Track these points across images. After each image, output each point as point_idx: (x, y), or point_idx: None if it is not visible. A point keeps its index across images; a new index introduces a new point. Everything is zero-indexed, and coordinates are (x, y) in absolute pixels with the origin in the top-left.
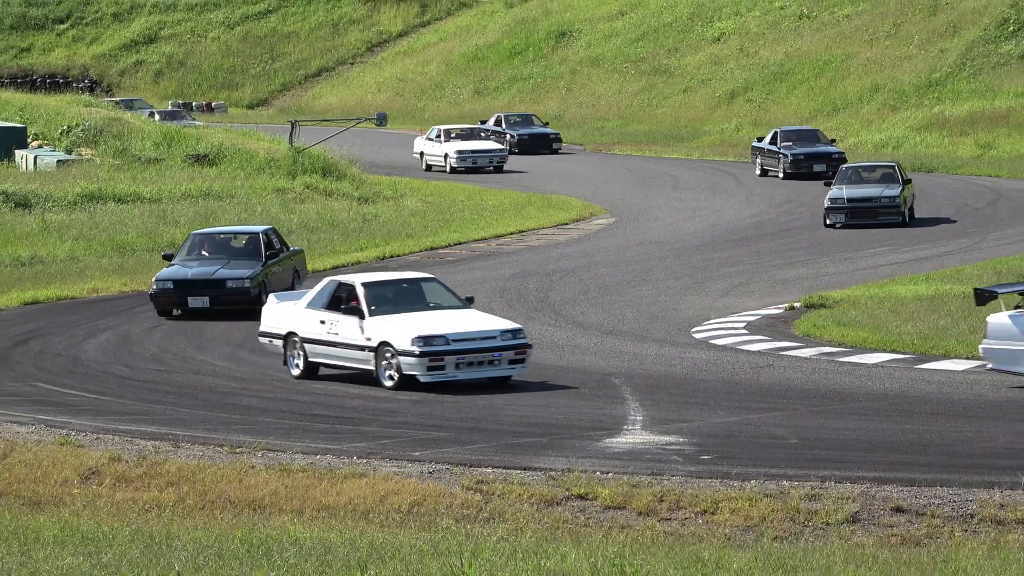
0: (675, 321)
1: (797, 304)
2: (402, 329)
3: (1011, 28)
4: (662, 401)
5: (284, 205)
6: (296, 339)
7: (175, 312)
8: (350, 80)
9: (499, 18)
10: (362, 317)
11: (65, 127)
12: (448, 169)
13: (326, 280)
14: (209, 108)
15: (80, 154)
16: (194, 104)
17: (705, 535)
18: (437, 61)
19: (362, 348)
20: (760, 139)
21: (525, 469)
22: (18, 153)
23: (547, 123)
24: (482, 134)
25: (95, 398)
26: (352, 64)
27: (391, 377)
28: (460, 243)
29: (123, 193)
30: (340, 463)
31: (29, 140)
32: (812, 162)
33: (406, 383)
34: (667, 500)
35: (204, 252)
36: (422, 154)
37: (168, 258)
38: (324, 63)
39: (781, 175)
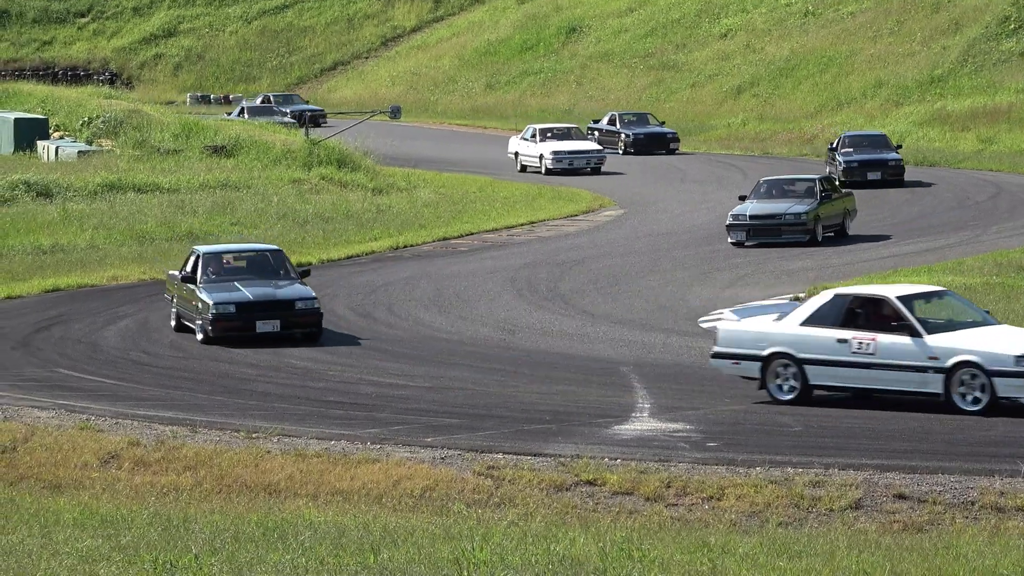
0: (682, 311)
1: (802, 295)
2: (987, 345)
3: (1012, 26)
4: (669, 389)
5: (300, 196)
6: (788, 361)
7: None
8: (365, 74)
9: (510, 14)
10: (917, 335)
11: (86, 118)
12: (543, 170)
13: (829, 294)
14: (227, 101)
15: (100, 145)
16: (212, 97)
17: (711, 520)
18: (450, 55)
19: (923, 369)
20: (831, 144)
21: (535, 455)
22: (40, 144)
23: (663, 122)
24: (587, 133)
25: (114, 384)
26: (367, 58)
27: (976, 400)
28: (472, 234)
29: (142, 183)
30: (354, 448)
31: (51, 131)
32: (866, 169)
33: (995, 407)
34: (674, 486)
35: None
36: (516, 154)
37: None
38: (339, 57)
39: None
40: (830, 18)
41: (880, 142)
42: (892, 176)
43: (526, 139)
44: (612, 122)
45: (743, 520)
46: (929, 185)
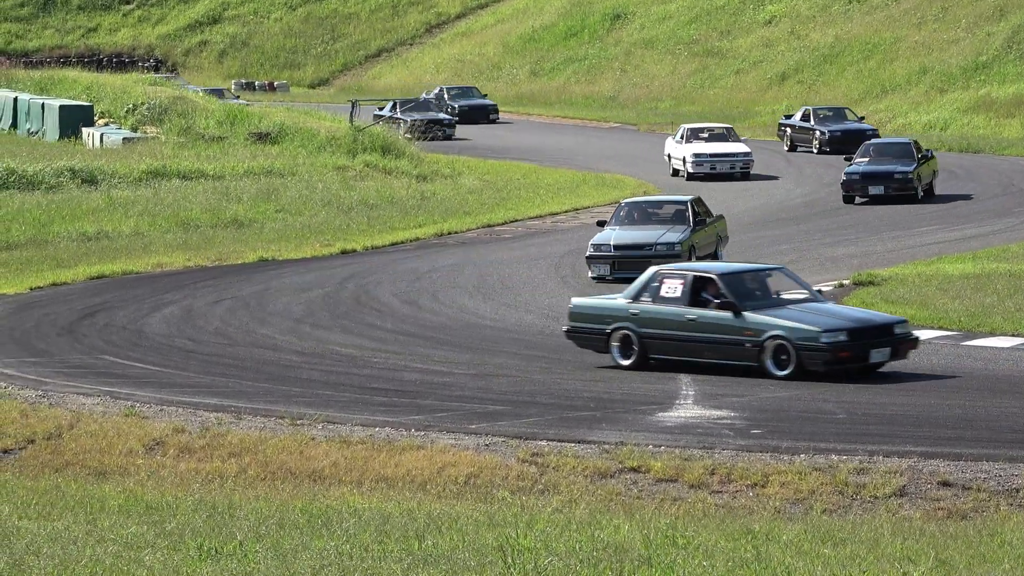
0: None
1: (846, 281)
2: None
3: None
4: (713, 376)
5: (344, 183)
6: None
7: None
8: (409, 60)
9: (555, 0)
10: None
11: (131, 105)
12: (685, 175)
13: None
14: (271, 87)
15: (145, 132)
16: (257, 84)
17: (755, 508)
18: (494, 42)
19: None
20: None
21: (579, 442)
22: (85, 131)
23: (862, 117)
24: (778, 131)
25: (159, 370)
26: (411, 45)
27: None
28: (516, 220)
29: (187, 170)
30: (398, 435)
31: (96, 118)
32: (868, 183)
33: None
34: (718, 473)
35: None
36: (669, 157)
37: None
38: (384, 44)
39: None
40: (874, 4)
41: (903, 151)
42: (898, 191)
43: (677, 140)
44: (806, 117)
45: (787, 507)
46: (974, 171)
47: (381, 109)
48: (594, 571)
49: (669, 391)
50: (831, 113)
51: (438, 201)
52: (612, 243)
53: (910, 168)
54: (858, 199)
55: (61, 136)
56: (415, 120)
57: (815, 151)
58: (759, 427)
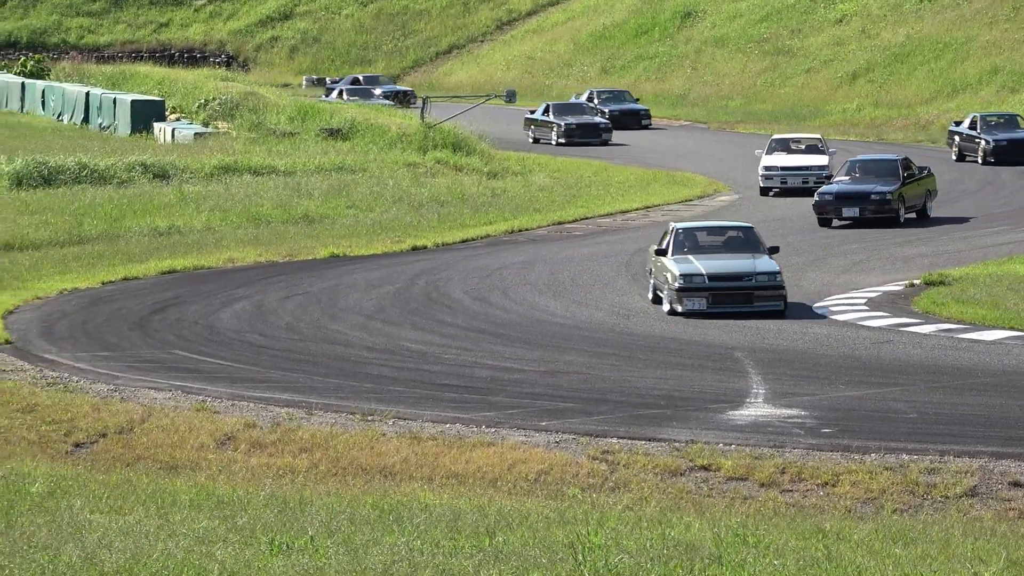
0: (797, 296)
1: (917, 281)
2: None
3: None
4: (784, 375)
5: (415, 179)
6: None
7: None
8: (480, 57)
9: None
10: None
11: (202, 100)
12: (759, 189)
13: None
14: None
15: (216, 127)
16: (328, 79)
17: (826, 507)
18: (565, 40)
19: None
20: None
21: (650, 440)
22: (156, 126)
23: None
24: (948, 139)
25: (230, 365)
26: (482, 42)
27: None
28: (586, 218)
29: (258, 165)
30: (469, 432)
31: (167, 113)
32: (842, 205)
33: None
34: (789, 472)
35: None
36: (762, 171)
37: None
38: (455, 40)
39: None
40: (945, 3)
41: (886, 169)
42: (875, 214)
43: (767, 153)
44: (973, 125)
45: (858, 507)
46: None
47: (533, 112)
48: (664, 569)
49: (740, 389)
50: (1002, 120)
51: (509, 198)
52: (705, 274)
53: (890, 188)
54: (835, 221)
55: (133, 131)
56: (569, 124)
57: (979, 162)
58: (830, 426)
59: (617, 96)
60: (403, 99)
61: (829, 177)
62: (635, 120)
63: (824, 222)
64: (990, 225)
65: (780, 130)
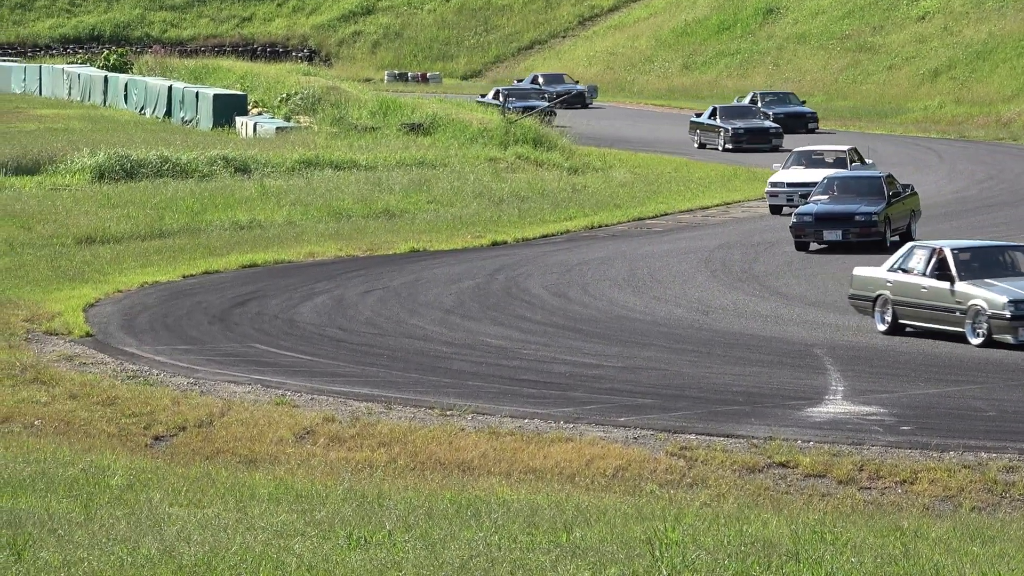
0: None
1: None
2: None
3: None
4: (863, 372)
5: (496, 174)
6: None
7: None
8: (562, 53)
9: None
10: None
11: (284, 95)
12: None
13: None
14: (424, 79)
15: (298, 121)
16: (409, 75)
17: (904, 504)
18: (647, 35)
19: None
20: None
21: (728, 436)
22: (239, 120)
23: None
24: None
25: (310, 359)
26: (564, 37)
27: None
28: (666, 214)
29: (339, 160)
30: (547, 427)
31: (249, 107)
32: (823, 227)
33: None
34: (867, 469)
35: None
36: (770, 184)
37: None
38: (537, 36)
39: None
40: None
41: (870, 187)
42: (859, 237)
43: (782, 166)
44: None
45: (936, 504)
46: None
47: (699, 116)
48: (742, 566)
49: (818, 386)
50: None
51: (589, 194)
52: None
53: (876, 209)
54: (812, 245)
55: (215, 125)
56: (737, 129)
57: None
58: (908, 423)
59: (782, 98)
60: (574, 99)
61: (805, 196)
62: (801, 123)
63: (801, 246)
64: None
65: (861, 127)
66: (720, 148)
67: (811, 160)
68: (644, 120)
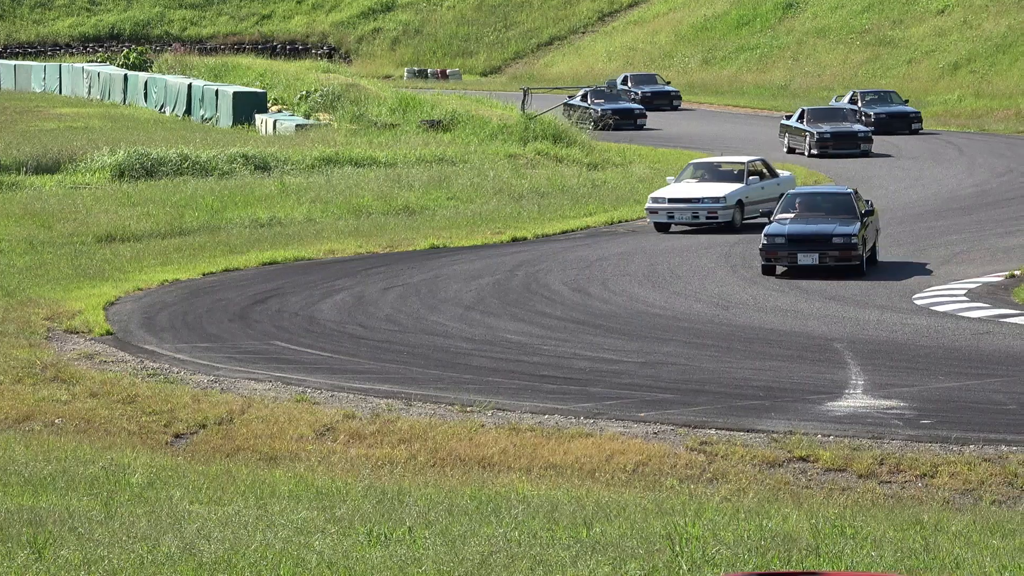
0: (896, 288)
1: (1018, 272)
2: None
3: None
4: (883, 366)
5: (516, 171)
6: None
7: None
8: (581, 49)
9: None
10: None
11: (304, 92)
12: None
13: None
14: (444, 75)
15: (318, 119)
16: (429, 71)
17: (924, 498)
18: (666, 31)
19: None
20: None
21: (748, 431)
22: (258, 117)
23: None
24: None
25: (330, 356)
26: (583, 33)
27: None
28: None
29: (359, 157)
30: (568, 423)
31: (269, 105)
32: (797, 249)
33: None
34: (887, 463)
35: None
36: (651, 200)
37: None
38: (556, 32)
39: None
40: None
41: (839, 205)
42: (838, 261)
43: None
44: None
45: (956, 498)
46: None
47: (789, 117)
48: (762, 560)
49: (838, 380)
50: None
51: (609, 189)
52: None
53: (853, 229)
54: (778, 268)
55: (234, 122)
56: (823, 133)
57: None
58: (928, 417)
59: (883, 97)
60: (664, 100)
61: (720, 214)
62: (904, 124)
63: (768, 270)
64: None
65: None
66: (806, 153)
67: (710, 173)
68: (664, 115)
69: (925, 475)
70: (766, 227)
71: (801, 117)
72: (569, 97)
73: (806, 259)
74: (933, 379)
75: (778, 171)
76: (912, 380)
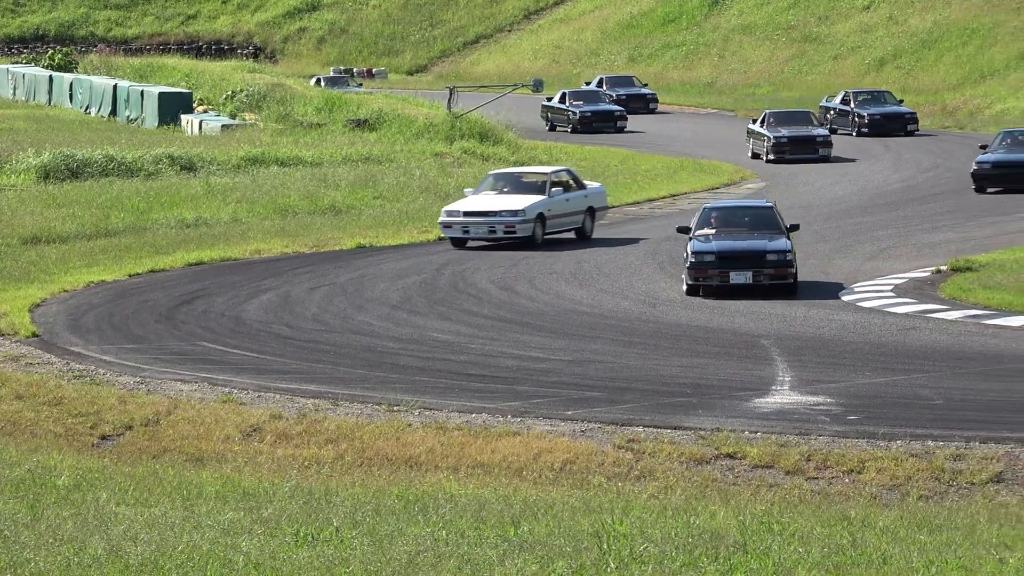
0: (823, 284)
1: (944, 267)
2: None
3: None
4: (810, 362)
5: (442, 169)
6: None
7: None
8: (507, 47)
9: None
10: None
11: (229, 92)
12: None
13: None
14: (370, 74)
15: (244, 119)
16: (355, 70)
17: (851, 494)
18: (592, 28)
19: None
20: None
21: (675, 428)
22: (184, 118)
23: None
24: None
25: (257, 357)
26: (510, 31)
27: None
28: (613, 206)
29: (285, 157)
30: (495, 421)
31: (195, 105)
32: (730, 268)
33: None
34: (814, 459)
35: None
36: (445, 214)
37: None
38: (482, 30)
39: None
40: None
41: (761, 220)
42: (773, 280)
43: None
44: None
45: (883, 493)
46: None
47: (754, 122)
48: (689, 557)
49: (765, 377)
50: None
51: None
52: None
53: (787, 245)
54: (704, 291)
55: (160, 123)
56: (780, 137)
57: None
58: (855, 413)
59: (877, 97)
60: (639, 103)
61: (518, 227)
62: (899, 125)
63: (693, 290)
64: (1018, 211)
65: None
66: (764, 158)
67: (511, 184)
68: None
69: (852, 471)
70: (690, 243)
71: (763, 121)
72: (547, 99)
73: (739, 278)
74: (860, 375)
75: (586, 183)
76: (839, 376)
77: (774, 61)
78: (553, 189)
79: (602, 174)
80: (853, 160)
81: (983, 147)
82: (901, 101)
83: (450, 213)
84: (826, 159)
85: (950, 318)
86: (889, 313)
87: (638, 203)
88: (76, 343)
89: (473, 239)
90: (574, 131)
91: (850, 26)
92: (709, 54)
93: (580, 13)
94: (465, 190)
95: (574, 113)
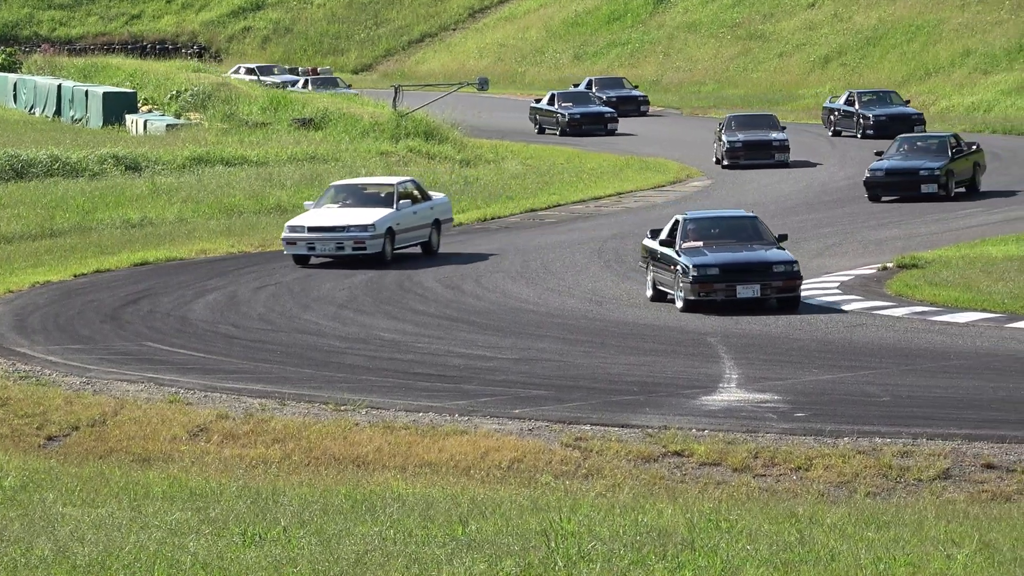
0: None
1: (890, 264)
2: None
3: None
4: (757, 360)
5: (388, 168)
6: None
7: None
8: (452, 46)
9: None
10: None
11: (174, 92)
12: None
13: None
14: (315, 73)
15: (189, 118)
16: (300, 69)
17: (799, 491)
18: (537, 27)
19: None
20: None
21: (622, 426)
22: (129, 117)
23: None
24: None
25: (203, 357)
26: (455, 30)
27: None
28: (559, 205)
29: (230, 156)
30: (442, 420)
31: (139, 105)
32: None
33: None
34: (762, 457)
35: None
36: (288, 229)
37: None
38: (427, 29)
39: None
40: None
41: (743, 228)
42: (781, 292)
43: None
44: None
45: (831, 490)
46: (1018, 153)
47: (720, 125)
48: (637, 555)
49: (712, 375)
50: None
51: (481, 186)
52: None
53: (790, 256)
54: (707, 307)
55: (105, 123)
56: (735, 142)
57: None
58: (803, 410)
59: (882, 98)
60: (630, 105)
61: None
62: (906, 126)
63: (693, 305)
64: (962, 208)
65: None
66: (720, 163)
67: (354, 196)
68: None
69: (800, 468)
70: (682, 257)
71: (726, 124)
72: (535, 101)
73: (746, 291)
74: (807, 372)
75: (431, 194)
76: (786, 373)
77: (719, 59)
78: (401, 201)
79: (548, 172)
80: (815, 165)
81: (879, 153)
82: (908, 101)
83: (293, 228)
84: (784, 164)
85: (897, 315)
86: (836, 310)
87: (584, 201)
88: (22, 344)
89: (318, 256)
90: (563, 134)
91: (795, 23)
92: (654, 52)
93: (525, 11)
94: (306, 203)
95: (563, 115)
